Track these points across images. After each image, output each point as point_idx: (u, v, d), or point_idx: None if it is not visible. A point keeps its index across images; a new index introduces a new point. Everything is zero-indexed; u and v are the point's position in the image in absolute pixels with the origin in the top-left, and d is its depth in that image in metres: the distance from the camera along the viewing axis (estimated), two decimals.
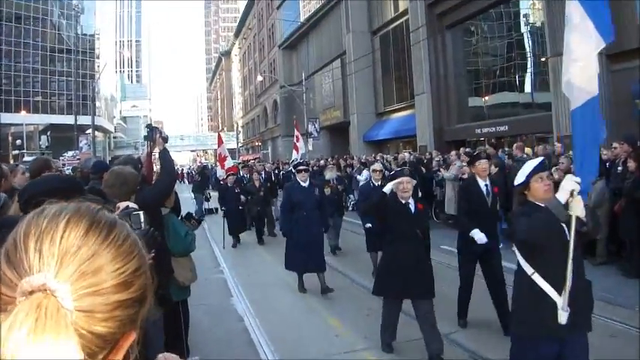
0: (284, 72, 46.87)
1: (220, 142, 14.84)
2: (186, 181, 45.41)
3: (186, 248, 4.45)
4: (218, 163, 14.74)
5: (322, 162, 19.89)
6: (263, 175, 13.83)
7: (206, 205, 18.76)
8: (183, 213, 5.07)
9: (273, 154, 52.39)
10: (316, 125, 35.23)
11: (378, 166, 8.41)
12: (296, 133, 17.80)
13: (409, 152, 19.95)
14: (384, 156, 19.92)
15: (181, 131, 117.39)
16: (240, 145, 69.15)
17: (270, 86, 53.47)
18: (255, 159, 17.71)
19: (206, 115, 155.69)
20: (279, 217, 7.52)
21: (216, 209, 18.37)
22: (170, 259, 4.14)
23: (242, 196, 12.15)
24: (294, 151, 16.77)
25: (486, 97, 22.10)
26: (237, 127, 69.25)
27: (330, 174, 10.25)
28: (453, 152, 13.35)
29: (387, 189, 4.75)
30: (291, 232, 7.23)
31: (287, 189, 7.46)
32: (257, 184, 12.45)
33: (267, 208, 12.95)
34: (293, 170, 12.81)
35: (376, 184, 7.82)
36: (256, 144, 66.95)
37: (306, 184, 7.23)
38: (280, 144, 50.09)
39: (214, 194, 19.01)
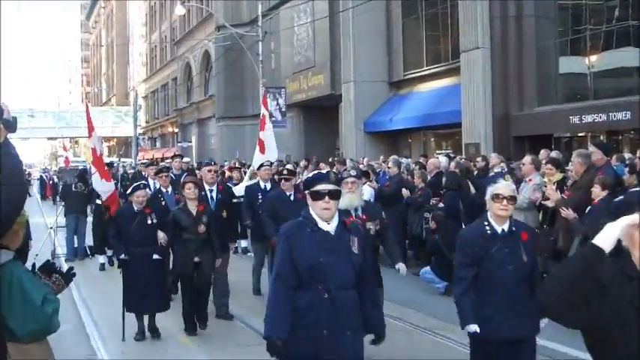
0: (225, 2, 46.84)
1: (90, 126, 13.74)
2: (39, 195, 44.85)
3: (42, 326, 4.37)
4: (93, 167, 13.70)
5: (289, 166, 19.67)
6: (212, 191, 12.12)
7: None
8: (35, 257, 5.13)
9: (200, 149, 52.07)
10: (280, 100, 35.18)
11: (506, 187, 6.71)
12: (262, 111, 16.30)
13: (447, 155, 20.06)
14: (402, 159, 19.91)
15: (29, 103, 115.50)
16: (140, 131, 68.76)
17: (198, 26, 53.44)
18: (169, 158, 17.00)
19: (79, 75, 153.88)
20: (267, 310, 5.75)
21: (91, 249, 18.21)
22: (5, 348, 4.08)
23: (160, 234, 10.67)
24: (258, 149, 15.33)
25: (592, 59, 22.33)
26: (136, 100, 68.70)
27: (352, 199, 8.59)
28: (528, 158, 13.02)
29: (605, 241, 3.43)
30: (292, 345, 5.61)
31: (285, 236, 5.87)
32: (194, 207, 10.68)
33: (221, 259, 11.27)
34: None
35: (507, 230, 6.55)
36: (170, 130, 66.58)
37: (332, 228, 5.78)
38: (214, 131, 49.85)
39: (89, 219, 18.93)
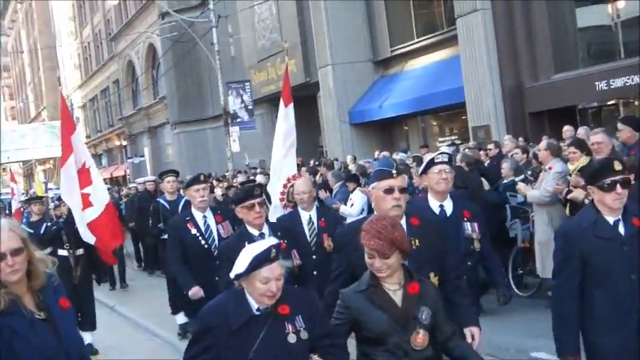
0: None
1: (71, 127, 12.95)
2: None
3: None
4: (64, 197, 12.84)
5: (259, 177, 19.63)
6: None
7: None
8: None
9: (156, 163, 51.74)
10: (245, 97, 34.91)
11: None
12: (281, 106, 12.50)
13: (452, 143, 20.44)
14: (398, 155, 20.20)
15: None
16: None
17: (137, 15, 53.29)
18: (159, 177, 15.79)
19: None
20: None
21: None
22: None
23: None
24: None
25: (619, 5, 22.05)
26: (72, 110, 68.47)
27: None
28: (542, 143, 13.05)
29: None
30: None
31: None
32: None
33: None
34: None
35: None
36: (117, 144, 65.96)
37: None
38: (170, 140, 49.59)
39: None
